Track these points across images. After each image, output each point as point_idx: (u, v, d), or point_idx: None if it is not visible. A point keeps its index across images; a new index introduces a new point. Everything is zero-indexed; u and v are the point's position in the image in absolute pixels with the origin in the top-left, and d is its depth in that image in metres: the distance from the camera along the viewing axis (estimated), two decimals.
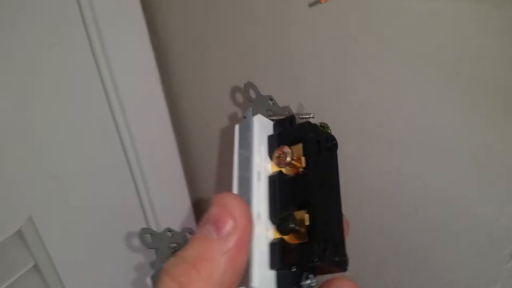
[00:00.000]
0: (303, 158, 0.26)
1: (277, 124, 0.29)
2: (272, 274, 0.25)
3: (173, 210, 0.52)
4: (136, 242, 0.46)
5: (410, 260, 0.47)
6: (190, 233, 0.33)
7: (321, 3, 0.36)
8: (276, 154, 0.27)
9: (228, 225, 0.23)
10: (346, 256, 0.24)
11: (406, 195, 0.45)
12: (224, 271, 0.22)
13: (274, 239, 0.26)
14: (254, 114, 0.28)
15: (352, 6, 0.39)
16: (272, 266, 0.25)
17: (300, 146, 0.26)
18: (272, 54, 0.46)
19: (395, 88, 0.41)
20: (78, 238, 0.43)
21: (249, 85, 0.30)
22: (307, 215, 0.25)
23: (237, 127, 0.29)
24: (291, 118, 0.28)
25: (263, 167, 0.27)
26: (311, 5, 0.39)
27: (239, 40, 0.47)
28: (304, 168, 0.26)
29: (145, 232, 0.30)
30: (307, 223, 0.24)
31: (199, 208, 0.57)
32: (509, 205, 0.40)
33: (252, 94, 0.30)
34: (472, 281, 0.44)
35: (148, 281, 0.31)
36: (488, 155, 0.39)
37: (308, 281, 0.24)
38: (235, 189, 0.27)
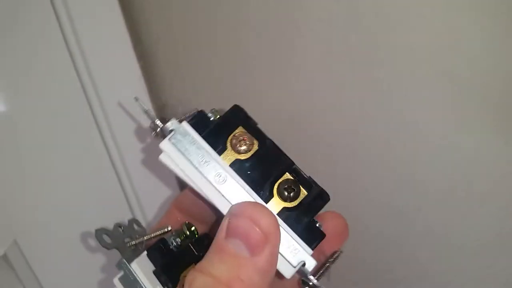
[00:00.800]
0: (252, 138, 0.27)
1: (192, 122, 0.28)
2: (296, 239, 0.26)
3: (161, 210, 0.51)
4: None
5: (415, 267, 0.45)
6: (137, 225, 0.31)
7: None
8: (233, 144, 0.27)
9: (259, 240, 0.23)
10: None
11: (409, 196, 0.42)
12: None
13: (278, 212, 0.26)
14: (179, 121, 0.27)
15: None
16: (299, 233, 0.26)
17: (241, 129, 0.27)
18: (260, 57, 0.44)
19: (390, 87, 0.39)
20: (67, 259, 0.42)
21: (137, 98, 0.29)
22: (291, 176, 0.27)
23: (167, 145, 0.26)
24: (202, 112, 0.28)
25: (223, 163, 0.26)
26: None
27: (229, 43, 0.46)
28: (259, 145, 0.27)
29: (100, 232, 0.28)
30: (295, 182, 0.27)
31: None
32: None
33: (141, 108, 0.29)
34: (481, 284, 0.41)
35: (116, 282, 0.29)
36: (486, 154, 0.37)
37: (318, 223, 0.26)
38: (230, 199, 0.26)
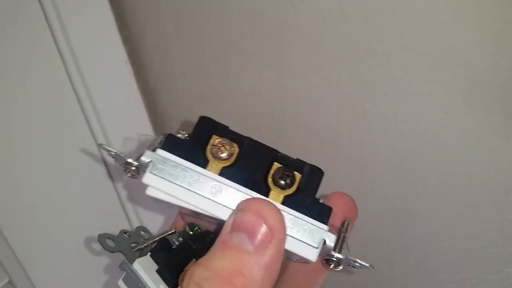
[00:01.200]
0: (231, 142, 0.26)
1: (166, 147, 0.26)
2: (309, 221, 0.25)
3: (159, 217, 0.50)
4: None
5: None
6: (144, 231, 0.30)
7: None
8: (214, 154, 0.26)
9: (265, 236, 0.22)
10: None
11: (408, 191, 0.42)
12: (261, 285, 0.22)
13: (281, 202, 0.26)
14: (152, 150, 0.26)
15: None
16: (308, 215, 0.25)
17: (216, 137, 0.26)
18: (253, 39, 0.43)
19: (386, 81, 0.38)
20: (54, 250, 0.41)
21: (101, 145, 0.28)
22: (280, 164, 0.26)
23: (151, 178, 0.25)
24: (171, 135, 0.27)
25: (212, 175, 0.26)
26: None
27: (221, 25, 0.44)
28: (239, 146, 0.27)
29: (103, 237, 0.28)
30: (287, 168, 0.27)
31: None
32: None
33: (107, 153, 0.27)
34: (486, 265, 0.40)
35: (121, 284, 0.28)
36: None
37: (321, 200, 0.26)
38: (231, 206, 0.25)
